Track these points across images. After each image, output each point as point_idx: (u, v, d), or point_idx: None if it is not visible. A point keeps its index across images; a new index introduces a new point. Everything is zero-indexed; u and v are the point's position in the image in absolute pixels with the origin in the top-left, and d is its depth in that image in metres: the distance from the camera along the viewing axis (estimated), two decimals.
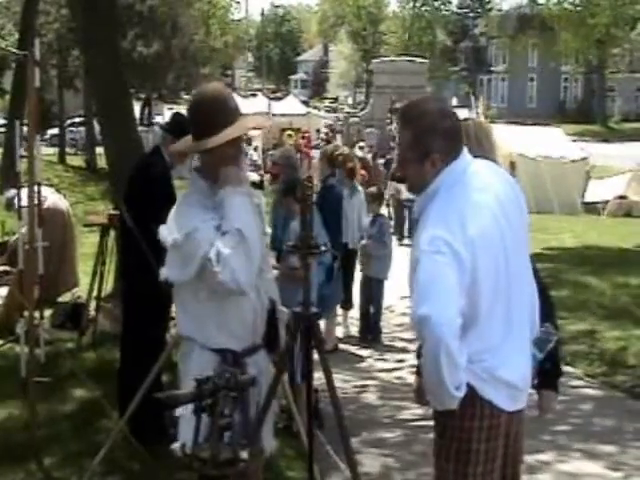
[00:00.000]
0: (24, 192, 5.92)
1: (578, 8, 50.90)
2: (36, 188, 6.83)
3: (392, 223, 12.70)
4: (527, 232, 3.18)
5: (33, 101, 5.93)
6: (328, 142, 26.13)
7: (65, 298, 9.41)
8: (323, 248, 3.61)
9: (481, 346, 2.95)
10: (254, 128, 3.40)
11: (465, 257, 2.84)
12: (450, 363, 2.80)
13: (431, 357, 2.83)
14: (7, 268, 9.50)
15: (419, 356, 3.89)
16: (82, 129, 33.96)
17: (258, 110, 33.31)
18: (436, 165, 2.99)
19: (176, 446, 3.21)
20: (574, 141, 27.85)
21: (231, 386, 2.48)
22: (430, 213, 2.95)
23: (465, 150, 3.06)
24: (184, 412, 2.94)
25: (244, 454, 2.48)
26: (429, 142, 2.98)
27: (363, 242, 8.73)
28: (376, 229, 8.85)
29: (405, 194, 10.52)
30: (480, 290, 2.90)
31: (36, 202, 6.77)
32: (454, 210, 2.91)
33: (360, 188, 9.27)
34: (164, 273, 3.25)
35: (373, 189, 9.51)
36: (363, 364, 8.12)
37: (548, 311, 3.40)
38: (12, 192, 8.24)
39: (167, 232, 3.22)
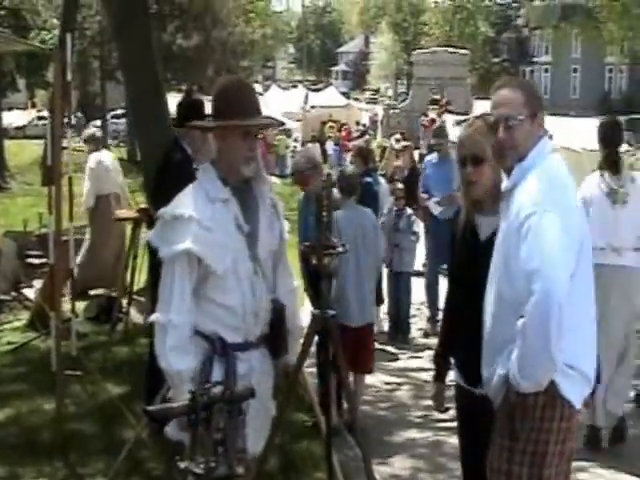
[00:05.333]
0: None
1: None
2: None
3: None
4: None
5: (58, 94, 5.94)
6: (363, 135, 25.91)
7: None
8: (340, 249, 3.53)
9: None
10: (260, 127, 3.41)
11: (576, 225, 2.86)
12: (559, 327, 2.73)
13: (540, 314, 2.75)
14: (44, 261, 9.53)
15: (439, 357, 3.79)
16: (124, 120, 34.20)
17: (297, 101, 33.36)
18: (541, 127, 3.07)
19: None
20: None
21: (226, 399, 2.38)
22: (531, 180, 2.95)
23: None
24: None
25: (240, 469, 2.39)
26: (538, 102, 3.09)
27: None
28: (405, 221, 8.71)
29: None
30: (576, 267, 2.86)
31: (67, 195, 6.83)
32: (564, 180, 2.97)
33: (383, 181, 9.12)
34: (150, 234, 3.38)
35: (400, 185, 9.22)
36: (396, 362, 7.99)
37: None
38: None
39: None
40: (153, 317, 3.26)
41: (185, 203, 3.25)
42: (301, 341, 3.60)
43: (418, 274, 9.19)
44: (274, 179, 19.28)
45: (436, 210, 8.80)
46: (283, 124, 3.85)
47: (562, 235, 2.81)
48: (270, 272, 3.46)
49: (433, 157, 9.34)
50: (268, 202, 3.45)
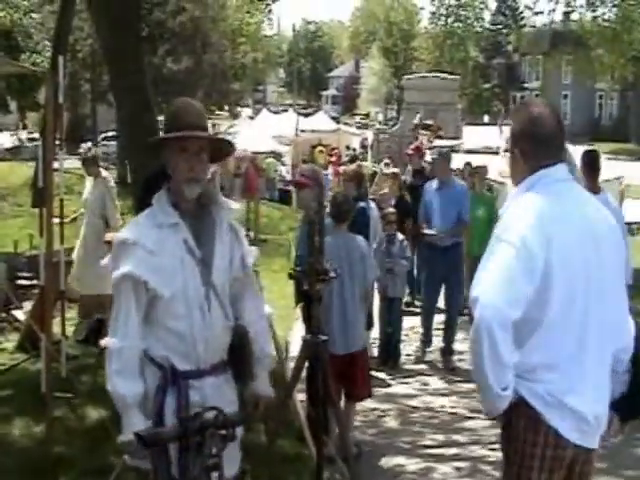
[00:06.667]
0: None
1: (613, 24, 50.16)
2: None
3: None
4: (620, 269, 3.08)
5: (50, 116, 5.97)
6: (354, 159, 25.91)
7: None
8: (332, 274, 3.55)
9: (543, 359, 2.86)
10: (181, 138, 3.24)
11: (537, 254, 2.82)
12: (493, 353, 2.74)
13: (474, 342, 2.80)
14: (35, 282, 9.52)
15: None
16: (114, 143, 34.26)
17: (287, 125, 33.45)
18: (520, 163, 3.07)
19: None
20: (609, 160, 27.42)
21: (219, 424, 2.38)
22: (515, 206, 2.99)
23: (563, 165, 3.08)
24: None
25: None
26: (517, 139, 3.09)
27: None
28: (397, 247, 8.62)
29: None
30: (550, 296, 2.84)
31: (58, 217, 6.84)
32: (539, 211, 2.91)
33: (374, 206, 9.05)
34: (106, 259, 3.43)
35: (392, 210, 9.06)
36: (385, 387, 7.91)
37: None
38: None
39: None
40: (104, 340, 3.30)
41: (132, 228, 3.29)
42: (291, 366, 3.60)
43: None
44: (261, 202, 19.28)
45: (441, 241, 8.73)
46: (228, 142, 3.60)
47: (511, 265, 2.80)
48: (227, 299, 3.37)
49: (434, 183, 9.09)
50: (226, 228, 3.38)
